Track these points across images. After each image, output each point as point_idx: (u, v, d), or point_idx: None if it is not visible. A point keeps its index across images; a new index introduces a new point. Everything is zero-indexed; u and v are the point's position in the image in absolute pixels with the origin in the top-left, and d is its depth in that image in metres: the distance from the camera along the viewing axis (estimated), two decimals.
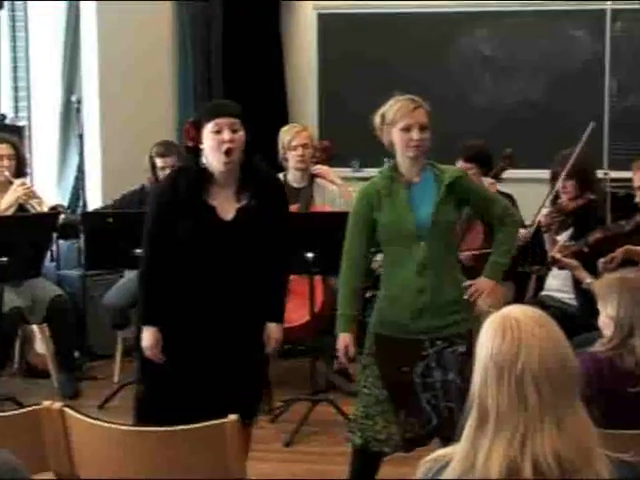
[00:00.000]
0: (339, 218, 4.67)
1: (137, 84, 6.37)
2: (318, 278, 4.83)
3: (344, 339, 3.45)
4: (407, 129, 3.32)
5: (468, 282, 3.44)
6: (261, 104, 6.70)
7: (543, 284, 4.65)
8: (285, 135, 5.18)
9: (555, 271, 4.48)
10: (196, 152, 3.31)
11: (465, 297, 3.41)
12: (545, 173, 4.91)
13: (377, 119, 3.39)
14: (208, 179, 3.29)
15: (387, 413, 3.36)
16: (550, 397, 1.69)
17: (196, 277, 3.32)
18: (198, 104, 6.60)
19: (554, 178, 4.66)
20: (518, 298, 4.79)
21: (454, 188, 3.36)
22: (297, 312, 4.72)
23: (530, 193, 4.68)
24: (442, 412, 3.29)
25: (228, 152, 3.21)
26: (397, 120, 3.33)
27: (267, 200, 3.32)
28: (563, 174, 4.49)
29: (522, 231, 4.32)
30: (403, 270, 3.36)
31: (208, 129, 3.23)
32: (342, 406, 4.55)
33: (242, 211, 3.28)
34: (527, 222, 4.59)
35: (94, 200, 5.97)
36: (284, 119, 6.78)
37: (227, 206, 3.28)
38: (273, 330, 3.41)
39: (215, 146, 3.22)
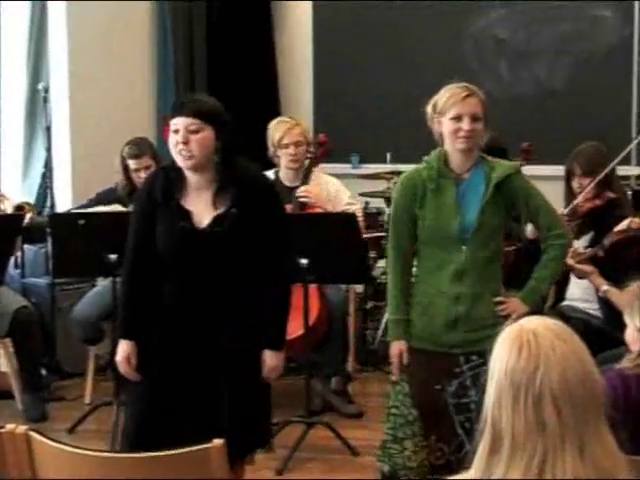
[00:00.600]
0: (337, 219, 4.73)
1: (111, 73, 6.37)
2: (313, 287, 4.82)
3: (397, 347, 3.45)
4: (457, 118, 3.35)
5: (499, 298, 3.45)
6: (250, 96, 6.71)
7: (564, 293, 4.64)
8: (275, 132, 5.08)
9: (577, 279, 4.47)
10: None
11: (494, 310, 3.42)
12: None
13: (429, 108, 3.43)
14: (184, 181, 3.30)
15: (417, 437, 3.37)
16: (571, 419, 1.69)
17: (174, 289, 3.31)
18: (180, 98, 6.61)
19: (569, 177, 4.63)
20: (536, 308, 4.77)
21: (502, 188, 3.38)
22: (290, 325, 4.67)
23: (550, 191, 4.66)
24: (476, 437, 3.29)
25: (181, 154, 3.22)
26: (447, 109, 3.36)
27: (252, 207, 3.25)
28: (596, 180, 4.44)
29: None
30: (439, 275, 3.39)
31: (170, 128, 3.27)
32: (340, 429, 4.55)
33: (219, 219, 3.24)
34: None
35: (63, 200, 5.96)
36: (276, 112, 6.77)
37: (204, 212, 3.26)
38: (267, 358, 3.34)
39: (172, 147, 3.25)
